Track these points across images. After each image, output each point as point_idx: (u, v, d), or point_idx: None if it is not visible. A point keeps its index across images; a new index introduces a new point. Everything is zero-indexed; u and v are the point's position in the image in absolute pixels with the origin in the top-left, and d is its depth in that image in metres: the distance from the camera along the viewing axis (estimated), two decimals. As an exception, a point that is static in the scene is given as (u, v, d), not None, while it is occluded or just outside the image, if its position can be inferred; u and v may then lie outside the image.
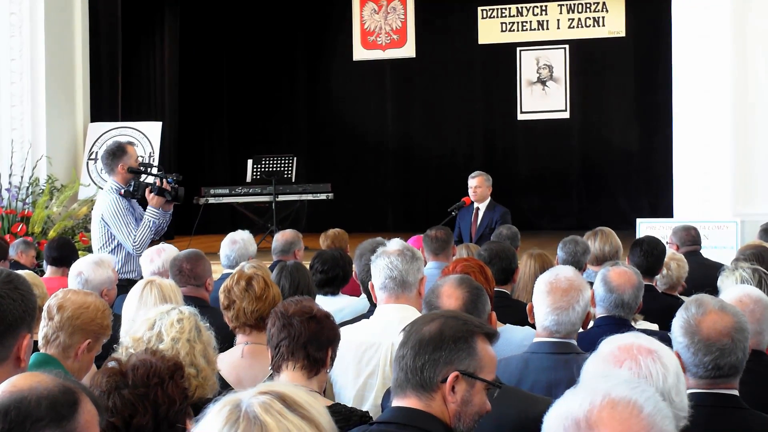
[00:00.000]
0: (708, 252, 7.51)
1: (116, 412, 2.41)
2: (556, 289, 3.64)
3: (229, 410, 1.73)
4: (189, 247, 6.64)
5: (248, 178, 12.98)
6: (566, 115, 15.61)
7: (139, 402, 2.42)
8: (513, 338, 4.26)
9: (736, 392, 3.05)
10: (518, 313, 4.46)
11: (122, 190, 6.96)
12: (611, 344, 2.55)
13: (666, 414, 1.74)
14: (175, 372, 2.55)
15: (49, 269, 7.13)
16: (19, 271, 4.88)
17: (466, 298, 3.31)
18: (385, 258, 4.05)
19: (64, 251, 7.21)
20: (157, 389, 2.43)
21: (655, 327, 4.70)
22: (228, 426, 1.71)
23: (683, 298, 5.86)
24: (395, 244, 4.21)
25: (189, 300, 4.42)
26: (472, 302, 3.30)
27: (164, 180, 7.02)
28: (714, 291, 4.25)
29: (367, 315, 4.39)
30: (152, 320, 3.23)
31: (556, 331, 3.61)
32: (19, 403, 1.97)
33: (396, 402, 2.64)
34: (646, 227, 9.62)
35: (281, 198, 12.72)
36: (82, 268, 5.22)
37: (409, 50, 15.82)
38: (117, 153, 7.07)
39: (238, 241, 6.51)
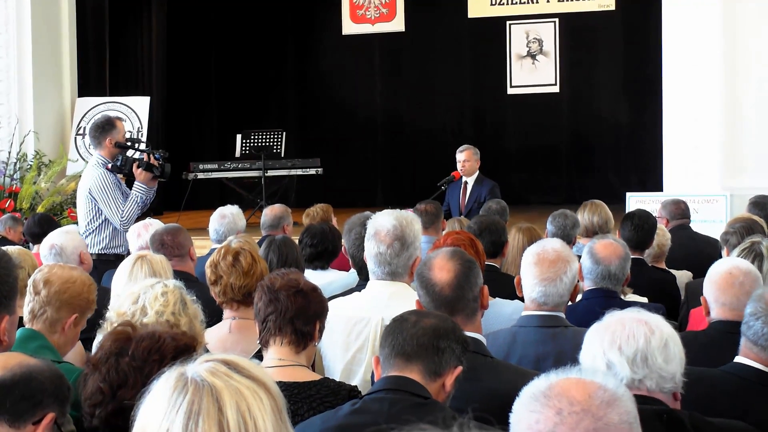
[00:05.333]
0: (697, 226, 7.51)
1: (108, 378, 2.39)
2: (543, 261, 3.63)
3: (175, 379, 1.73)
4: (178, 222, 6.63)
5: (237, 154, 12.95)
6: (556, 89, 15.56)
7: (131, 374, 2.38)
8: (502, 312, 4.25)
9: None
10: (508, 287, 4.45)
11: (109, 165, 6.92)
12: (611, 316, 2.71)
13: (630, 397, 1.77)
14: (182, 353, 2.44)
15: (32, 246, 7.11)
16: (9, 247, 4.89)
17: (459, 271, 3.28)
18: (375, 246, 3.98)
19: (45, 227, 7.18)
20: (154, 366, 2.38)
21: (644, 300, 4.70)
22: (176, 393, 1.70)
23: (672, 271, 5.87)
24: (386, 221, 4.06)
25: (176, 274, 4.40)
26: (464, 275, 3.28)
27: (152, 155, 6.98)
28: (706, 264, 4.24)
29: (357, 289, 4.37)
30: (136, 294, 3.21)
31: (544, 302, 3.61)
32: None
33: (401, 371, 2.72)
34: (635, 201, 9.62)
35: (270, 173, 12.69)
36: (53, 240, 5.34)
37: (398, 24, 15.73)
38: (106, 127, 7.02)
39: (227, 216, 6.50)
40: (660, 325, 2.64)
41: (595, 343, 2.63)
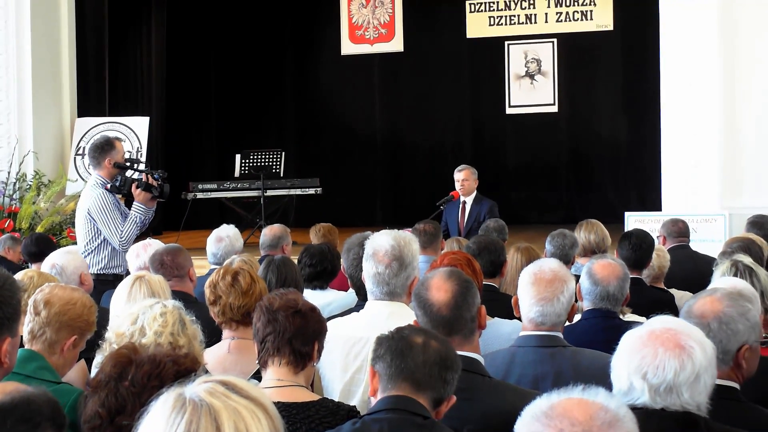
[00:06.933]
0: (696, 245, 7.51)
1: (106, 403, 2.38)
2: (540, 280, 3.63)
3: (174, 399, 1.73)
4: (177, 242, 6.64)
5: (236, 173, 12.97)
6: (554, 108, 15.61)
7: (130, 400, 2.37)
8: (501, 332, 4.25)
9: (736, 384, 3.04)
10: (506, 307, 4.45)
11: (108, 185, 6.93)
12: (649, 326, 2.61)
13: (631, 418, 1.77)
14: (183, 378, 2.46)
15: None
16: (27, 271, 4.89)
17: (456, 291, 3.28)
18: (374, 266, 3.97)
19: (42, 246, 7.20)
20: (153, 392, 2.37)
21: (643, 320, 4.70)
22: (175, 413, 1.70)
23: (671, 291, 5.87)
24: (384, 242, 4.05)
25: (174, 294, 4.40)
26: (461, 295, 3.28)
27: (150, 176, 6.99)
28: (704, 284, 4.25)
29: (356, 309, 4.37)
30: (135, 315, 3.20)
31: (541, 322, 3.61)
32: None
33: (406, 393, 2.72)
34: (634, 220, 9.62)
35: (270, 193, 12.71)
36: (54, 259, 5.35)
37: (397, 44, 15.81)
38: (105, 147, 7.04)
39: (224, 239, 6.49)
40: (697, 355, 2.54)
41: (622, 362, 2.57)
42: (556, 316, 3.61)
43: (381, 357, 2.78)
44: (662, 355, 2.51)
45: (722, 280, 4.10)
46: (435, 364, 2.72)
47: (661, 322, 2.62)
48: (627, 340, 2.60)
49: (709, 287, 3.82)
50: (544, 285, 3.61)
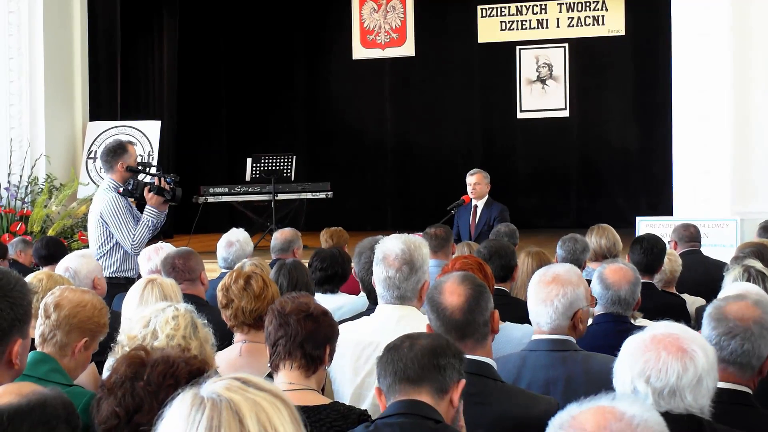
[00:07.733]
0: (708, 250, 7.48)
1: (123, 402, 2.40)
2: (540, 283, 3.65)
3: (192, 397, 1.73)
4: (188, 245, 6.64)
5: (247, 177, 12.99)
6: (566, 113, 15.61)
7: (147, 399, 2.38)
8: (512, 336, 4.25)
9: (749, 390, 3.03)
10: (517, 311, 4.45)
11: (120, 189, 6.94)
12: (652, 331, 2.64)
13: (648, 427, 1.75)
14: (195, 377, 2.46)
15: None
16: (36, 274, 4.90)
17: (469, 295, 3.28)
18: (384, 270, 3.96)
19: (52, 249, 7.22)
20: (169, 390, 2.37)
21: (654, 325, 4.68)
22: (194, 410, 1.70)
23: (683, 296, 5.86)
24: (394, 246, 4.05)
25: (186, 298, 4.40)
26: (475, 299, 3.28)
27: (163, 179, 7.01)
28: (716, 289, 4.24)
29: (367, 313, 4.37)
30: (147, 318, 3.21)
31: (538, 324, 3.62)
32: None
33: (409, 395, 2.72)
34: (645, 225, 9.60)
35: (280, 197, 12.72)
36: (68, 263, 5.37)
37: (408, 49, 15.82)
38: (117, 151, 7.05)
39: (234, 243, 6.48)
40: (699, 358, 2.57)
41: (625, 366, 2.59)
42: (551, 320, 3.59)
43: (380, 375, 2.81)
44: (665, 359, 2.55)
45: (734, 285, 4.09)
46: (424, 356, 2.73)
47: (663, 327, 2.66)
48: (629, 345, 2.63)
49: (722, 292, 3.82)
50: (542, 286, 3.62)
